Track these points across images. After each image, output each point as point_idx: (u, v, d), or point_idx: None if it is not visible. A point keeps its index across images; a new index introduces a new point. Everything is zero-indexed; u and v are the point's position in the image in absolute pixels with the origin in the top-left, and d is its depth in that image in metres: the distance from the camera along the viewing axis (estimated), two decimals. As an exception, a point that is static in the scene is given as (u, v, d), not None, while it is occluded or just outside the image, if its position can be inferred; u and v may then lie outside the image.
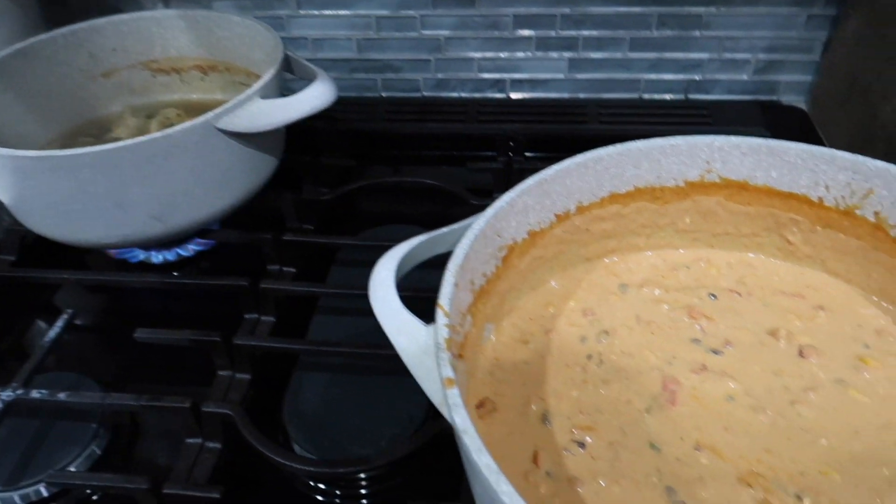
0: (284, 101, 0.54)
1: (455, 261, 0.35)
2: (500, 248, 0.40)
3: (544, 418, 0.38)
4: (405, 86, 0.86)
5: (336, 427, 0.48)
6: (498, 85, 0.85)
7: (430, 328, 0.32)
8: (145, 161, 0.51)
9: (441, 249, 0.39)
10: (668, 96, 0.84)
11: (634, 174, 0.44)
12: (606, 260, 0.47)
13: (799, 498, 0.33)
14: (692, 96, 0.83)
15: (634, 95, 0.84)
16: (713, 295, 0.44)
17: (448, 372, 0.29)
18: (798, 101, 0.83)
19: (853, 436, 0.36)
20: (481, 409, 0.38)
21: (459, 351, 0.36)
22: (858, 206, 0.42)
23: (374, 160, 0.77)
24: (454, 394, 0.29)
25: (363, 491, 0.47)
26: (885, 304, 0.43)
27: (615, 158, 0.43)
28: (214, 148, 0.54)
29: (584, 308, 0.44)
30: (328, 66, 0.83)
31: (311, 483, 0.47)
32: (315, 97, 0.55)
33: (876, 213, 0.41)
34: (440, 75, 0.85)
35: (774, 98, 0.83)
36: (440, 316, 0.32)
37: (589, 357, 0.41)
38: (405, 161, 0.77)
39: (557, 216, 0.43)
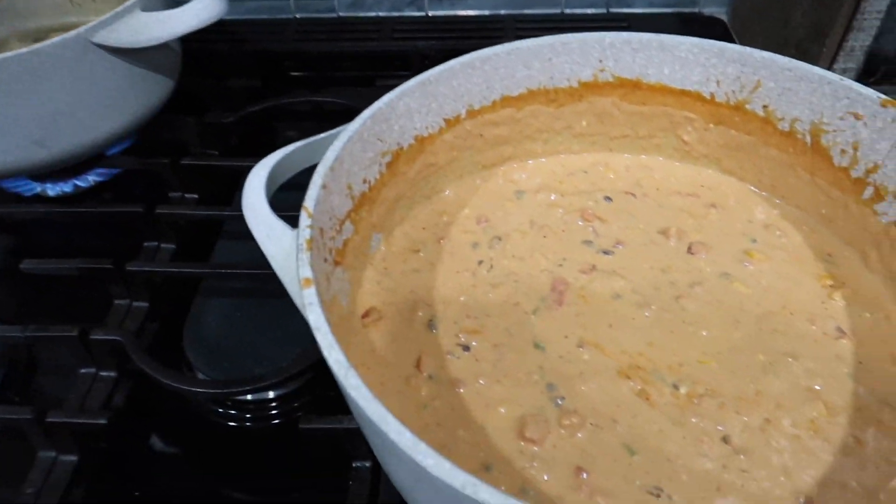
0: (167, 13, 0.51)
1: (325, 163, 0.34)
2: (382, 153, 0.38)
3: (430, 324, 0.37)
4: (319, 6, 0.82)
5: (238, 351, 0.47)
6: (416, 3, 0.82)
7: (296, 231, 0.31)
8: (15, 79, 0.47)
9: (320, 157, 0.38)
10: (589, 10, 0.82)
11: (526, 75, 0.42)
12: (504, 167, 0.46)
13: (676, 387, 0.34)
14: (613, 10, 0.81)
15: (556, 10, 0.82)
16: (608, 198, 0.44)
17: (306, 272, 0.28)
18: (719, 12, 0.81)
19: (733, 326, 0.36)
20: (367, 317, 0.37)
21: (337, 258, 0.35)
22: (748, 100, 0.41)
23: (284, 82, 0.74)
24: (311, 293, 0.27)
25: (273, 412, 0.46)
26: (775, 200, 0.43)
27: (503, 58, 0.41)
28: (94, 65, 0.50)
29: (479, 215, 0.43)
30: (234, -16, 0.79)
31: (220, 410, 0.46)
32: (201, 10, 0.51)
33: (765, 107, 0.41)
34: (355, -8, 0.81)
35: (696, 10, 0.81)
36: (304, 217, 0.31)
37: (480, 262, 0.40)
38: (317, 82, 0.74)
39: (447, 121, 0.42)
